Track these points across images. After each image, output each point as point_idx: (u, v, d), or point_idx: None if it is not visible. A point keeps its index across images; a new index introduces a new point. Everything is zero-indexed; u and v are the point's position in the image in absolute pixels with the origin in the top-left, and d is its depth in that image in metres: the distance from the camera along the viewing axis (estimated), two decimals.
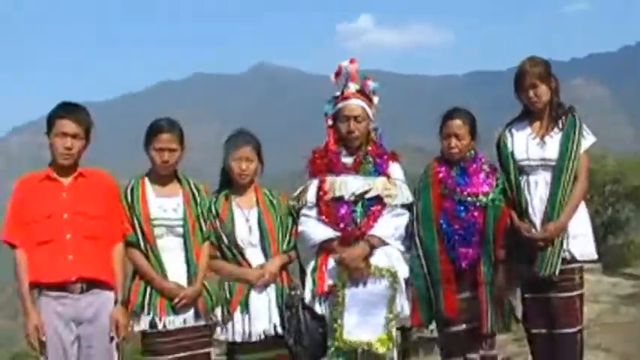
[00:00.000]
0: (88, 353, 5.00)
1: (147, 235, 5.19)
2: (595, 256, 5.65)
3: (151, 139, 5.27)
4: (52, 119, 5.07)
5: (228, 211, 5.46)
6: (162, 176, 5.34)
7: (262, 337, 5.35)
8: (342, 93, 5.63)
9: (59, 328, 4.95)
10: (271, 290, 5.42)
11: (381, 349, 5.32)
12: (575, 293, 5.51)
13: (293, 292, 5.44)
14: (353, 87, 5.62)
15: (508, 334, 8.67)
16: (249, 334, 5.33)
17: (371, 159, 5.57)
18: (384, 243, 5.44)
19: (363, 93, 5.63)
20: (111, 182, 5.30)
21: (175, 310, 5.17)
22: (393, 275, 5.36)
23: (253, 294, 5.38)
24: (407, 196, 5.60)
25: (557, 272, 5.39)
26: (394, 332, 5.41)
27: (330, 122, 5.67)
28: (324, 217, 5.44)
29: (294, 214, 5.63)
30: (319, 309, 5.40)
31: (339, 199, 5.44)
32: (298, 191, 5.65)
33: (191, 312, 5.23)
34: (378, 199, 5.47)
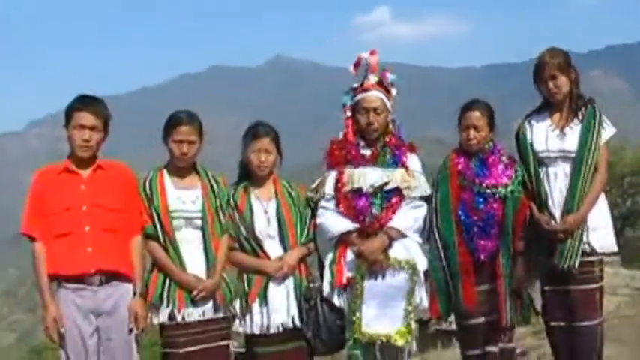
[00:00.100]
0: (107, 345, 5.02)
1: (165, 227, 5.20)
2: (615, 249, 5.62)
3: (170, 131, 5.27)
4: (70, 112, 5.08)
5: (247, 203, 5.46)
6: (181, 168, 5.35)
7: (280, 329, 5.35)
8: (362, 84, 5.61)
9: (78, 320, 4.97)
10: (289, 282, 5.42)
11: (400, 342, 5.31)
12: (594, 286, 5.49)
13: (311, 285, 5.44)
14: (373, 79, 5.60)
15: (526, 327, 8.64)
16: (268, 327, 5.34)
17: (389, 151, 5.54)
18: (402, 235, 5.43)
19: (381, 85, 5.61)
20: (129, 174, 5.31)
21: (194, 303, 5.18)
22: (413, 267, 5.35)
23: (271, 286, 5.38)
24: (425, 188, 5.58)
25: (576, 264, 5.36)
26: (413, 324, 5.41)
27: (349, 113, 5.65)
28: (342, 209, 5.43)
29: (312, 206, 5.62)
30: (337, 301, 5.40)
31: (358, 191, 5.43)
32: (316, 183, 5.64)
33: (210, 304, 5.24)
34: (397, 191, 5.45)
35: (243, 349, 5.57)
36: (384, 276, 5.34)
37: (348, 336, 5.34)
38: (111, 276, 5.03)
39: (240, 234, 5.42)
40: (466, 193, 5.51)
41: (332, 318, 5.36)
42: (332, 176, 5.55)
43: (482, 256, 5.46)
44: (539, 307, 5.63)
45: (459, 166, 5.56)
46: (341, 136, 5.65)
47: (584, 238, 5.41)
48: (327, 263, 5.48)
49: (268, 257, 5.40)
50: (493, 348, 5.52)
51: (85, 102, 5.10)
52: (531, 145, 5.57)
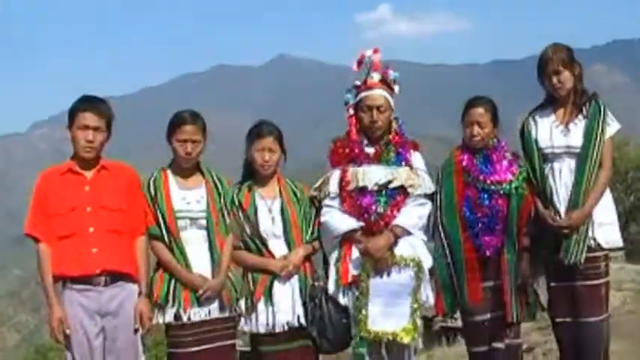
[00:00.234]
0: (112, 346, 5.02)
1: (170, 227, 5.19)
2: (620, 244, 5.61)
3: (173, 130, 5.27)
4: (73, 112, 5.08)
5: (251, 202, 5.46)
6: (185, 168, 5.34)
7: (286, 328, 5.35)
8: (365, 82, 5.59)
9: (84, 320, 4.97)
10: (295, 281, 5.42)
11: (406, 339, 5.31)
12: (600, 281, 5.48)
13: (316, 283, 5.44)
14: (376, 77, 5.59)
15: (532, 323, 8.63)
16: (273, 326, 5.33)
17: (393, 148, 5.54)
18: (407, 233, 5.42)
19: (385, 82, 5.60)
20: (133, 175, 5.30)
21: (200, 302, 5.18)
22: (418, 265, 5.35)
23: (277, 285, 5.38)
24: (429, 185, 5.58)
25: (582, 260, 5.36)
26: (419, 322, 5.41)
27: (352, 112, 5.64)
28: (347, 208, 5.43)
29: (316, 205, 5.61)
30: (343, 300, 5.40)
31: (362, 189, 5.42)
32: (319, 182, 5.63)
33: (215, 304, 5.23)
34: (402, 189, 5.44)
35: (248, 348, 5.57)
36: (389, 274, 5.34)
37: (354, 334, 5.34)
38: (116, 276, 5.03)
39: (245, 233, 5.42)
40: (470, 190, 5.51)
41: (337, 317, 5.36)
42: (336, 174, 5.54)
43: (487, 253, 5.46)
44: (545, 303, 5.62)
45: (463, 163, 5.55)
46: (344, 134, 5.65)
47: (590, 234, 5.41)
48: (332, 262, 5.47)
49: (273, 256, 5.40)
50: (499, 344, 5.51)
51: (88, 102, 5.10)
52: (536, 141, 5.56)
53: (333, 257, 5.47)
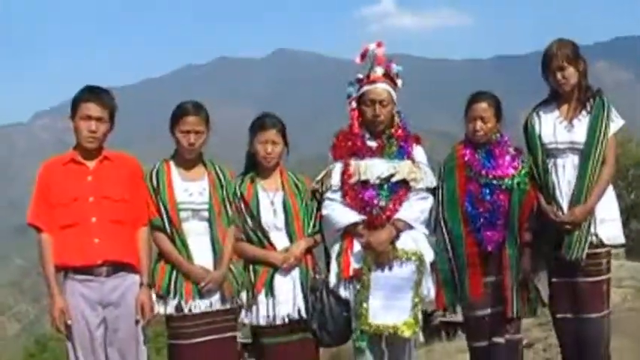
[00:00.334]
0: (113, 336, 5.03)
1: (172, 219, 5.19)
2: (622, 241, 5.61)
3: (176, 121, 5.27)
4: (76, 102, 5.08)
5: (253, 194, 5.46)
6: (188, 160, 5.34)
7: (286, 320, 5.35)
8: (368, 76, 5.58)
9: (85, 311, 4.98)
10: (296, 274, 5.42)
11: (407, 333, 5.31)
12: (602, 278, 5.48)
13: (317, 276, 5.44)
14: (379, 71, 5.57)
15: (533, 319, 8.65)
16: (274, 318, 5.34)
17: (395, 142, 5.53)
18: (409, 227, 5.42)
19: (388, 76, 5.59)
20: (136, 165, 5.31)
21: (201, 294, 5.18)
22: (420, 259, 5.35)
23: (278, 277, 5.38)
24: (431, 179, 5.58)
25: (584, 256, 5.35)
26: (420, 316, 5.41)
27: (354, 105, 5.63)
28: (349, 201, 5.42)
29: (317, 198, 5.61)
30: (344, 293, 5.39)
31: (364, 183, 5.42)
32: (321, 175, 5.62)
33: (217, 296, 5.23)
34: (404, 183, 5.44)
35: (249, 340, 5.57)
36: (390, 268, 5.33)
37: (355, 327, 5.34)
38: (118, 267, 5.03)
39: (247, 225, 5.42)
40: (472, 185, 5.51)
41: (338, 310, 5.36)
42: (338, 168, 5.53)
43: (489, 248, 5.45)
44: (546, 298, 5.62)
45: (466, 158, 5.55)
46: (347, 127, 5.64)
47: (592, 230, 5.40)
48: (333, 255, 5.46)
49: (274, 248, 5.40)
50: (499, 339, 5.51)
51: (91, 93, 5.10)
52: (539, 136, 5.55)
53: (334, 250, 5.47)
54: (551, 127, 5.53)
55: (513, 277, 5.46)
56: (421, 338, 5.51)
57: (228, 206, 5.35)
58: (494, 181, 5.47)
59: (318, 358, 5.58)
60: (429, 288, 5.46)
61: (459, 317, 5.76)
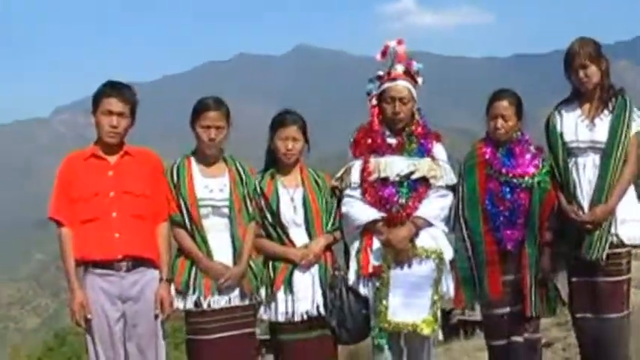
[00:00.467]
0: (133, 331, 5.04)
1: (193, 215, 5.20)
2: None
3: (197, 116, 5.28)
4: (98, 97, 5.10)
5: (273, 191, 5.46)
6: (208, 156, 5.34)
7: (305, 317, 5.35)
8: (389, 73, 5.58)
9: (105, 305, 4.99)
10: (315, 271, 5.42)
11: (427, 331, 5.31)
12: (622, 278, 5.45)
13: (337, 273, 5.44)
14: (400, 68, 5.57)
15: (552, 318, 8.60)
16: (292, 314, 5.34)
17: (415, 140, 5.52)
18: (429, 224, 5.42)
19: (408, 74, 5.58)
20: (157, 161, 5.32)
21: (220, 290, 5.19)
22: (439, 256, 5.34)
23: (297, 274, 5.38)
24: (451, 177, 5.57)
25: (604, 256, 5.33)
26: (439, 314, 5.40)
27: (374, 102, 5.63)
28: (368, 198, 5.42)
29: (337, 195, 5.61)
30: (363, 290, 5.39)
31: (384, 180, 5.41)
32: (341, 172, 5.62)
33: (236, 292, 5.24)
34: (423, 180, 5.43)
35: (267, 337, 5.58)
36: (410, 265, 5.33)
37: (374, 325, 5.34)
38: (138, 262, 5.05)
39: (267, 221, 5.42)
40: (493, 183, 5.50)
41: (357, 307, 5.35)
42: (357, 165, 5.53)
43: (508, 246, 5.45)
44: (565, 297, 5.60)
45: (486, 156, 5.54)
46: (367, 123, 5.63)
47: (612, 230, 5.37)
48: (352, 252, 5.46)
49: (294, 245, 5.40)
50: (518, 338, 5.50)
51: (113, 88, 5.11)
52: (561, 135, 5.52)
53: (354, 248, 5.47)
54: (573, 125, 5.51)
55: (533, 276, 5.44)
56: (440, 336, 5.51)
57: (248, 203, 5.35)
58: (515, 180, 5.46)
59: (337, 355, 5.58)
60: (448, 286, 5.45)
61: (477, 316, 5.74)
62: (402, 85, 5.50)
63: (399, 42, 5.62)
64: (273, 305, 5.37)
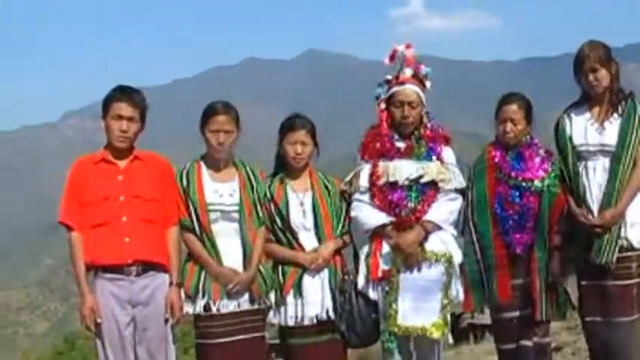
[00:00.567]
0: (143, 335, 5.05)
1: (202, 220, 5.21)
2: None
3: (206, 121, 5.29)
4: (108, 102, 5.11)
5: (283, 195, 5.46)
6: (218, 160, 5.34)
7: (314, 321, 5.35)
8: (397, 77, 5.57)
9: (115, 310, 5.00)
10: (324, 275, 5.42)
11: (436, 334, 5.30)
12: (631, 281, 5.42)
13: (346, 277, 5.44)
14: (408, 72, 5.57)
15: (561, 322, 8.61)
16: (302, 319, 5.34)
17: (424, 143, 5.52)
18: (438, 228, 5.41)
19: (417, 78, 5.58)
20: (166, 165, 5.33)
21: (229, 294, 5.19)
22: (449, 260, 5.34)
23: (306, 278, 5.38)
24: (460, 180, 5.57)
25: (613, 260, 5.31)
26: (449, 317, 5.40)
27: (383, 106, 5.63)
28: (377, 202, 5.42)
29: (346, 199, 5.60)
30: (373, 294, 5.39)
31: (393, 184, 5.41)
32: (350, 176, 5.61)
33: (246, 296, 5.24)
34: (432, 184, 5.42)
35: (276, 341, 5.59)
36: (419, 269, 5.32)
37: (384, 329, 5.34)
38: (148, 266, 5.05)
39: (276, 225, 5.43)
40: (502, 187, 5.49)
41: (366, 311, 5.36)
42: (366, 169, 5.53)
43: (517, 250, 5.44)
44: (575, 301, 5.59)
45: (496, 159, 5.53)
46: (375, 125, 5.63)
47: (622, 233, 5.36)
48: (362, 256, 5.46)
49: (303, 249, 5.40)
50: (527, 342, 5.49)
51: (123, 92, 5.13)
52: (570, 138, 5.51)
53: (363, 252, 5.46)
54: (582, 129, 5.50)
55: (542, 280, 5.43)
56: (450, 340, 5.50)
57: (258, 207, 5.36)
58: (524, 184, 5.45)
59: (346, 359, 5.58)
60: (457, 290, 5.45)
61: (487, 319, 5.73)
62: (411, 89, 5.50)
63: (408, 46, 5.62)
64: (282, 309, 5.38)
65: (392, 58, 5.63)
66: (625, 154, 5.35)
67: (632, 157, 5.35)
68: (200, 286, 5.18)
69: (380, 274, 5.34)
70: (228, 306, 5.20)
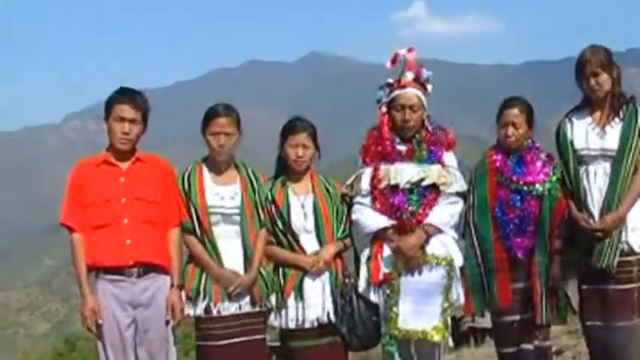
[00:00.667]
0: (144, 337, 5.06)
1: (203, 222, 5.22)
2: None
3: (207, 123, 5.30)
4: (110, 104, 5.12)
5: (284, 198, 5.46)
6: (219, 162, 5.36)
7: (315, 324, 5.36)
8: (399, 81, 5.58)
9: (116, 311, 5.01)
10: (325, 278, 5.42)
11: (437, 337, 5.30)
12: (632, 286, 5.42)
13: (347, 280, 5.44)
14: (410, 76, 5.57)
15: (562, 326, 8.61)
16: (303, 321, 5.35)
17: (425, 146, 5.52)
18: (439, 231, 5.41)
19: (418, 81, 5.58)
20: (168, 167, 5.34)
21: (230, 297, 5.20)
22: (450, 264, 5.34)
23: (307, 281, 5.39)
24: (461, 183, 5.56)
25: (614, 264, 5.31)
26: (449, 321, 5.40)
27: (384, 109, 5.63)
28: (378, 206, 5.42)
29: (347, 202, 5.61)
30: (373, 297, 5.39)
31: (394, 188, 5.41)
32: (351, 179, 5.62)
33: (247, 298, 5.26)
34: (433, 187, 5.42)
35: (277, 343, 5.59)
36: (420, 272, 5.33)
37: (384, 332, 5.34)
38: (149, 268, 5.06)
39: (277, 228, 5.43)
40: (503, 190, 5.49)
41: (367, 314, 5.36)
42: (367, 172, 5.53)
43: (518, 254, 5.44)
44: (576, 306, 5.59)
45: (497, 163, 5.54)
46: (376, 127, 5.63)
47: (623, 238, 5.36)
48: (363, 259, 5.46)
49: (304, 252, 5.40)
50: (528, 346, 5.49)
51: (125, 94, 5.14)
52: (571, 142, 5.52)
53: (364, 255, 5.46)
54: (584, 133, 5.50)
55: (543, 284, 5.43)
56: (450, 343, 5.50)
57: (260, 210, 5.37)
58: (525, 188, 5.45)
59: None
60: (458, 293, 5.45)
61: (487, 323, 5.73)
62: (412, 93, 5.50)
63: (409, 50, 5.62)
64: (283, 312, 5.39)
65: (394, 61, 5.62)
66: (626, 159, 5.35)
67: (633, 162, 5.35)
68: (201, 288, 5.19)
69: (381, 277, 5.34)
70: (229, 308, 5.21)
